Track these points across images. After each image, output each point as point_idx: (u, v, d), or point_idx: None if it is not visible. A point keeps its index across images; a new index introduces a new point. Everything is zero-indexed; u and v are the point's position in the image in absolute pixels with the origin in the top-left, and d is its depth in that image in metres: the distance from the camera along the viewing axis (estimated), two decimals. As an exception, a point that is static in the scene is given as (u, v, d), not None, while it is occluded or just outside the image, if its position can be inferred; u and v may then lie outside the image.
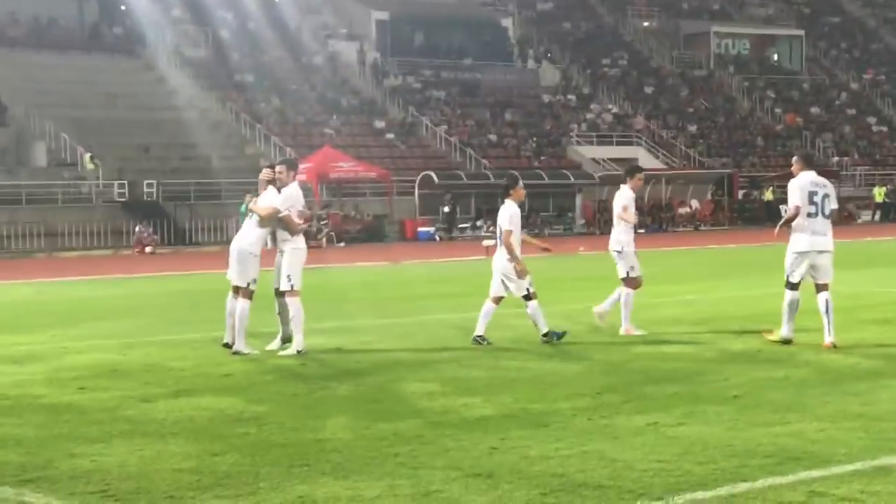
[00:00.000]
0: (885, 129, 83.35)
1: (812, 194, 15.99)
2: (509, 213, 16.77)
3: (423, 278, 33.33)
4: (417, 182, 60.66)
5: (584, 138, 72.11)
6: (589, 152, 70.45)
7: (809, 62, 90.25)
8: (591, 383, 13.46)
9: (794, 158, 16.75)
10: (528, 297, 16.92)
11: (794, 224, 16.02)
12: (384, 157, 63.49)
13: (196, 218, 53.87)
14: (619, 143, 72.83)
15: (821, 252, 15.89)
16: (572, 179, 63.84)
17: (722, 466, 9.18)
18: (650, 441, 10.20)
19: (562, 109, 75.39)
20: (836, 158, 75.80)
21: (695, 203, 66.46)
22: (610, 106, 76.81)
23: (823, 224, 16.01)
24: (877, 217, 69.27)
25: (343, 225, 55.87)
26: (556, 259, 41.17)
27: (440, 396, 12.90)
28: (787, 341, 15.89)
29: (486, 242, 42.51)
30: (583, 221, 63.89)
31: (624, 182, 18.59)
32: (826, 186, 16.24)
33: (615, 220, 18.11)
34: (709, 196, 68.54)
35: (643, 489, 8.61)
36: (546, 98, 76.06)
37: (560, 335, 16.94)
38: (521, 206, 17.55)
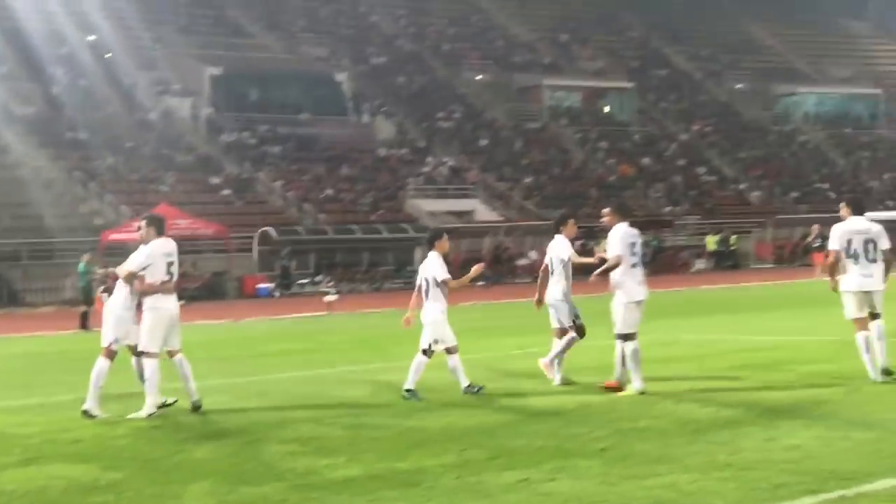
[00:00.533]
0: (714, 178, 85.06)
1: (632, 245, 16.59)
2: (440, 264, 17.02)
3: (265, 335, 32.97)
4: (256, 238, 60.17)
5: (421, 192, 72.24)
6: (426, 205, 70.55)
7: (640, 114, 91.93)
8: (454, 439, 13.37)
9: (607, 210, 17.11)
10: (450, 351, 17.21)
11: (615, 273, 16.44)
12: (221, 213, 62.75)
13: (29, 278, 52.53)
14: (455, 196, 73.02)
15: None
16: (412, 233, 63.68)
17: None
18: (523, 499, 10.13)
19: (398, 163, 75.58)
20: (668, 208, 76.90)
21: (533, 254, 66.70)
22: (445, 159, 77.04)
23: (642, 273, 16.76)
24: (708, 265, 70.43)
25: (181, 283, 54.81)
26: (397, 314, 40.68)
27: (301, 457, 12.66)
28: (642, 393, 15.93)
29: (327, 298, 42.27)
30: (419, 275, 63.57)
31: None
32: (639, 236, 17.04)
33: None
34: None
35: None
36: (382, 152, 76.18)
37: (479, 389, 17.03)
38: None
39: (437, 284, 16.93)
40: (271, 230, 60.06)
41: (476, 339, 27.67)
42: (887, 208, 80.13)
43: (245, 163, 70.47)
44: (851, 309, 16.48)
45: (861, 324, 16.34)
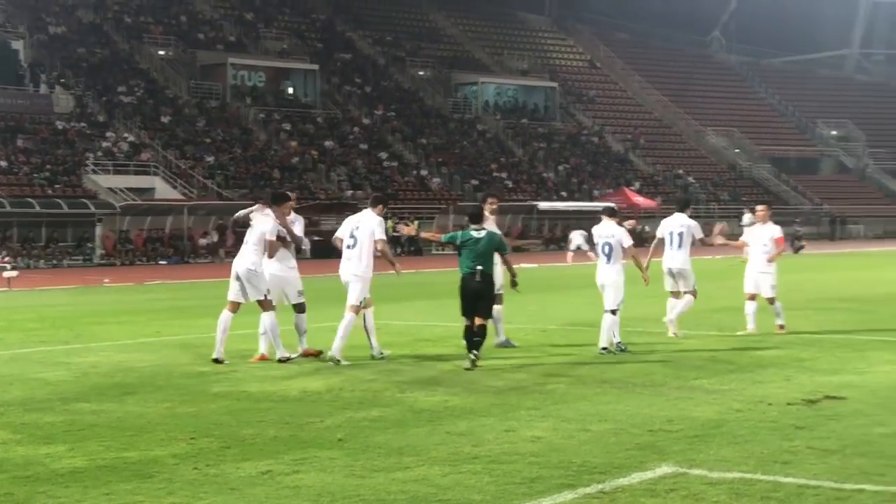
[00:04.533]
0: (395, 164, 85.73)
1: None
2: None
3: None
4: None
5: (101, 167, 70.46)
6: (105, 181, 69.34)
7: (324, 97, 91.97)
8: (180, 427, 12.81)
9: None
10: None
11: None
12: None
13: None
14: (136, 173, 71.81)
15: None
16: (93, 209, 61.86)
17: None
18: (272, 493, 9.70)
19: (76, 136, 73.48)
20: (350, 192, 76.92)
21: (216, 234, 65.71)
22: (126, 134, 75.55)
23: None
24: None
25: None
26: (82, 291, 39.71)
27: (16, 445, 11.89)
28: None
29: (6, 274, 40.38)
30: (103, 252, 61.92)
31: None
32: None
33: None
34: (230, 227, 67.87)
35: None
36: (60, 125, 73.84)
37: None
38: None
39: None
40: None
41: (174, 320, 26.97)
42: (562, 198, 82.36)
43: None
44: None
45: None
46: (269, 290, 18.16)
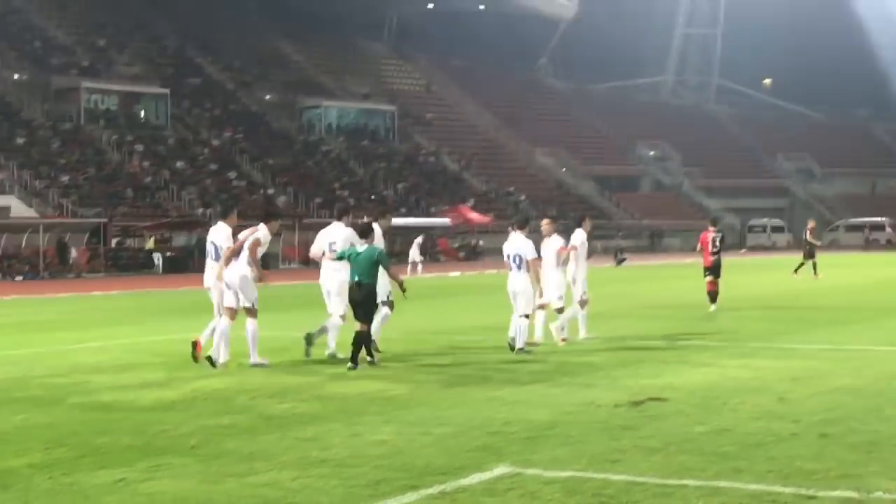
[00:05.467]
0: (244, 183, 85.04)
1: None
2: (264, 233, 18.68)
3: None
4: None
5: (-46, 186, 68.45)
6: (-42, 200, 66.90)
7: (174, 119, 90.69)
8: (35, 437, 12.38)
9: None
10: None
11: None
12: None
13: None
14: (-9, 192, 69.67)
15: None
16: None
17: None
18: (127, 500, 9.50)
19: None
20: (201, 210, 75.99)
21: (73, 252, 64.45)
22: (-20, 155, 73.40)
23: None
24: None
25: None
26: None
27: None
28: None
29: None
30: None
31: None
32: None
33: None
34: (84, 244, 66.65)
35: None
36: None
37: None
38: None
39: None
40: None
41: (29, 333, 26.24)
42: (401, 215, 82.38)
43: None
44: None
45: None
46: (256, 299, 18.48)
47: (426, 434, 12.15)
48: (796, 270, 46.89)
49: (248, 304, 18.30)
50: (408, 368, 18.47)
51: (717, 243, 30.45)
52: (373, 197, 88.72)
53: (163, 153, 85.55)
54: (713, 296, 29.81)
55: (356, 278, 18.09)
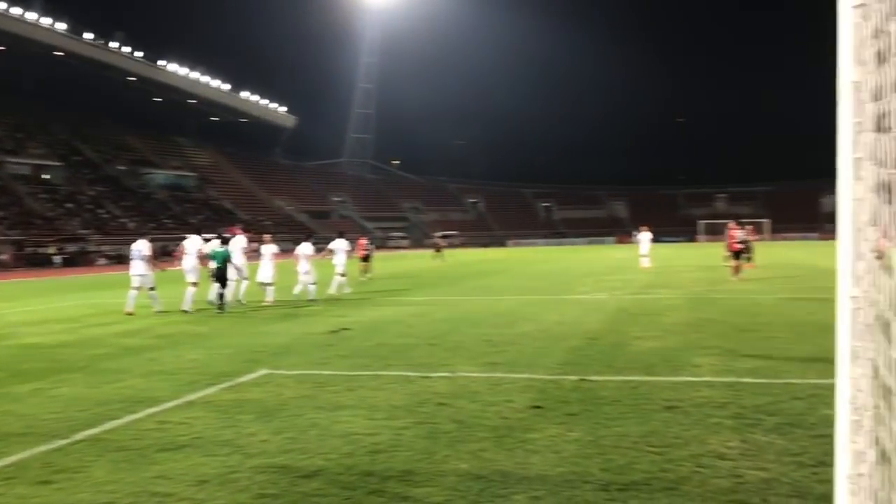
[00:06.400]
0: (108, 216, 78.67)
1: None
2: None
3: None
4: None
5: None
6: None
7: (65, 180, 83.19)
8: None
9: None
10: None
11: None
12: None
13: None
14: None
15: None
16: None
17: (99, 412, 7.86)
18: (42, 400, 8.54)
19: None
20: (82, 230, 70.02)
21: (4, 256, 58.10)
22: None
23: None
24: None
25: None
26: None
27: None
28: None
29: None
30: None
31: None
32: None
33: None
34: (11, 252, 60.23)
35: (54, 431, 7.09)
36: None
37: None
38: None
39: None
40: None
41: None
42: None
43: None
44: None
45: None
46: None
47: (219, 354, 11.53)
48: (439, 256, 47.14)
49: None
50: (205, 316, 16.99)
51: (369, 246, 30.93)
52: (181, 224, 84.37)
53: (59, 198, 78.42)
54: (366, 269, 30.02)
55: (217, 264, 18.21)
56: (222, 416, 7.44)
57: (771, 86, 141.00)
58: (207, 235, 20.91)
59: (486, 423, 6.90)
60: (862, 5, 2.72)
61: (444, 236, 78.65)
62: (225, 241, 18.92)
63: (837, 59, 2.72)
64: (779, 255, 44.35)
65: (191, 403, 8.09)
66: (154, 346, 12.63)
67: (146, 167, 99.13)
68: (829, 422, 6.53)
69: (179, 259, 19.02)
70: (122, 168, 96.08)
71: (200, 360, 11.06)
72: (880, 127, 2.63)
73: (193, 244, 19.20)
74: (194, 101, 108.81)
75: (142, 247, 18.33)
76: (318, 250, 22.62)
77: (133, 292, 17.91)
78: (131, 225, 79.54)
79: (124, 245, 69.10)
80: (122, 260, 66.63)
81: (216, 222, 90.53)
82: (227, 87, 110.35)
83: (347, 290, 22.57)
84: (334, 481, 5.44)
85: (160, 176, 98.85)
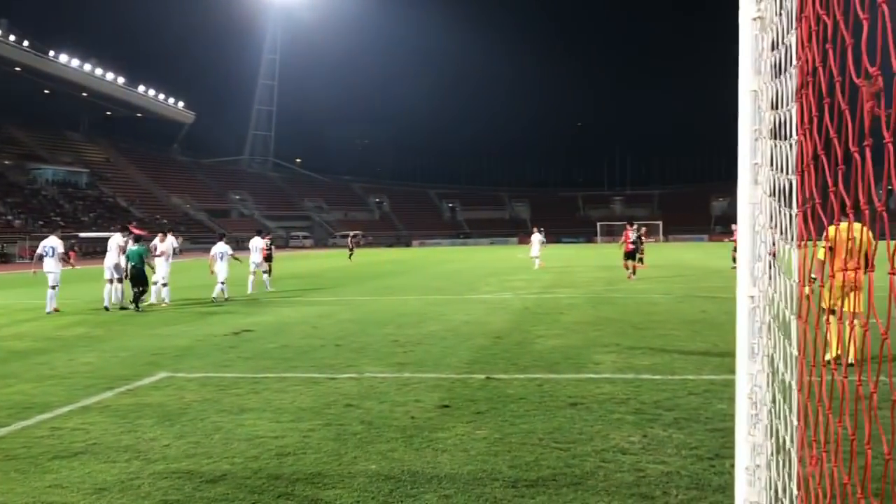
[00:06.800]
0: (-9, 213, 74.66)
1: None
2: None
3: None
4: None
5: None
6: None
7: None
8: None
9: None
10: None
11: None
12: None
13: None
14: None
15: None
16: None
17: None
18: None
19: None
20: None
21: None
22: None
23: None
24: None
25: None
26: None
27: None
28: None
29: None
30: None
31: None
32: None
33: None
34: None
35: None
36: None
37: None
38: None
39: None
40: None
41: None
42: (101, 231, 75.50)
43: None
44: None
45: None
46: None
47: (115, 357, 11.13)
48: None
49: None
50: (102, 318, 16.43)
51: (270, 246, 29.22)
52: (72, 222, 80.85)
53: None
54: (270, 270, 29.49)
55: (133, 263, 18.11)
56: (121, 422, 7.17)
57: (670, 93, 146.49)
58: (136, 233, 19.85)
59: (394, 424, 6.90)
60: (759, 18, 2.86)
61: (357, 236, 78.32)
62: (137, 240, 18.55)
63: (738, 69, 2.85)
64: (672, 255, 46.09)
65: (86, 408, 7.77)
66: (45, 350, 12.07)
67: (34, 162, 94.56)
68: (723, 416, 6.82)
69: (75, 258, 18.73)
70: (8, 163, 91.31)
71: (96, 363, 10.66)
72: (777, 135, 2.78)
73: (115, 241, 18.94)
74: (87, 95, 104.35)
75: (55, 243, 18.16)
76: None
77: (51, 291, 17.74)
78: (17, 223, 75.80)
79: (7, 244, 65.71)
80: (7, 259, 63.29)
81: (109, 220, 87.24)
82: (122, 80, 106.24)
83: (269, 289, 23.07)
84: (241, 485, 5.34)
85: (49, 171, 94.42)
